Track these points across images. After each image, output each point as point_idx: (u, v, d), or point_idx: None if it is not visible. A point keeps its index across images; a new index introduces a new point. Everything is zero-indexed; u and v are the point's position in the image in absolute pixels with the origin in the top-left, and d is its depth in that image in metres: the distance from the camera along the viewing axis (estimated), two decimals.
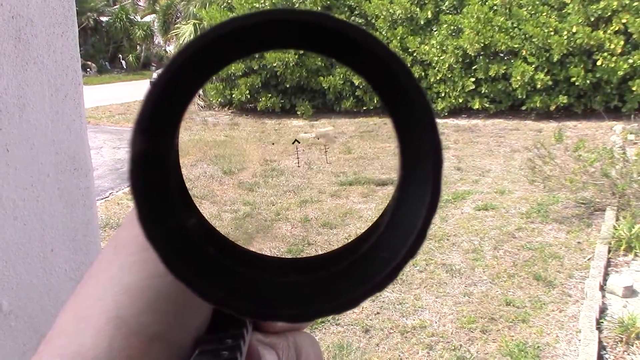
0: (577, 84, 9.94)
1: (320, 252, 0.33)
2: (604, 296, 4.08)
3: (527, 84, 10.16)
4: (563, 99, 10.10)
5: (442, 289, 4.41)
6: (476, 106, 10.75)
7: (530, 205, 6.00)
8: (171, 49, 21.09)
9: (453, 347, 3.67)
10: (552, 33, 9.98)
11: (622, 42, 9.56)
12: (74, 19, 0.93)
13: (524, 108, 10.52)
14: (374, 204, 6.39)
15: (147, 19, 25.85)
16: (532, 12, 10.38)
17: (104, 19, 25.19)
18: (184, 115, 0.28)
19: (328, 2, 12.15)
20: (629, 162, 5.70)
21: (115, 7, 25.85)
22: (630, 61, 9.61)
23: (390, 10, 11.48)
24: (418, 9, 11.50)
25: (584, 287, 4.24)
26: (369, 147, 8.92)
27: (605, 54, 9.65)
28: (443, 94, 11.10)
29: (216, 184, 7.52)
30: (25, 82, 0.86)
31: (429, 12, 11.39)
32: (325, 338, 3.82)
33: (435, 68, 11.12)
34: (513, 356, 3.50)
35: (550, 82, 10.12)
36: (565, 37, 9.82)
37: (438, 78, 11.09)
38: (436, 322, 3.96)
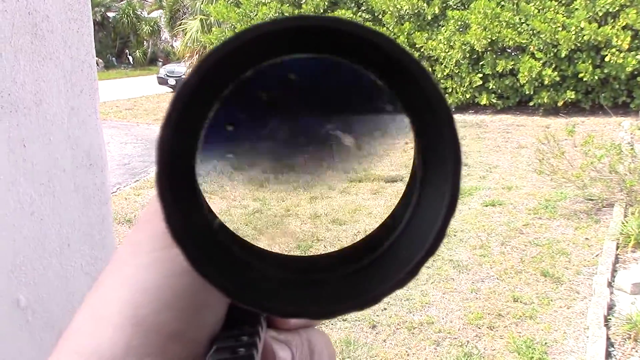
0: (585, 79, 9.89)
1: (332, 249, 0.33)
2: (612, 293, 4.06)
3: (534, 79, 10.12)
4: (571, 95, 10.06)
5: (450, 285, 4.40)
6: (484, 102, 10.71)
7: (537, 201, 5.98)
8: (178, 45, 21.12)
9: (460, 344, 3.67)
10: (560, 29, 9.93)
11: (629, 38, 9.51)
12: (89, 15, 0.93)
13: (531, 104, 10.48)
14: (382, 201, 6.38)
15: (154, 14, 25.88)
16: (540, 7, 10.33)
17: (111, 14, 25.23)
18: (209, 116, 0.28)
19: None
20: (637, 158, 5.67)
21: (122, 2, 25.88)
22: (639, 57, 9.56)
23: (397, 6, 11.44)
24: (425, 5, 11.46)
25: (592, 284, 4.23)
26: (378, 144, 8.90)
27: (613, 49, 9.60)
28: (450, 90, 11.07)
29: (226, 180, 7.52)
30: (41, 78, 0.87)
31: (436, 8, 11.35)
32: (333, 334, 3.83)
33: (442, 64, 11.09)
34: (520, 352, 3.49)
35: (558, 78, 10.07)
36: (573, 33, 9.77)
37: (445, 74, 11.06)
38: (443, 318, 3.95)
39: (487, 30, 10.42)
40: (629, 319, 3.63)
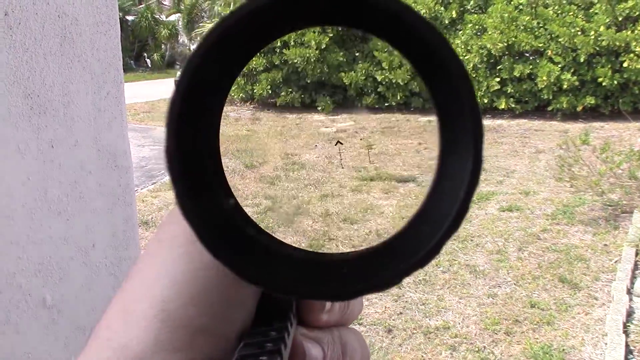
0: (604, 84, 9.80)
1: (341, 248, 0.32)
2: (631, 299, 4.02)
3: (553, 84, 10.04)
4: (590, 100, 9.97)
5: (466, 290, 4.38)
6: (502, 106, 10.65)
7: (555, 206, 5.93)
8: (194, 47, 21.21)
9: (477, 349, 3.64)
10: (579, 33, 9.85)
11: None
12: (117, 18, 0.95)
13: (550, 109, 10.40)
14: (395, 200, 6.37)
15: (172, 18, 26.05)
16: (559, 11, 10.26)
17: (129, 18, 25.45)
18: (223, 100, 0.28)
19: None
20: None
21: (140, 6, 26.09)
22: None
23: None
24: (442, 9, 11.43)
25: (610, 290, 4.18)
26: (390, 143, 8.89)
27: (632, 54, 9.50)
28: None
29: (238, 177, 7.56)
30: (69, 80, 0.88)
31: (454, 12, 11.32)
32: None
33: None
34: (538, 359, 3.46)
35: (576, 83, 9.98)
36: (592, 37, 9.68)
37: None
38: (460, 323, 3.93)
39: (503, 34, 10.36)
40: None
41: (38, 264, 0.85)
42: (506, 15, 10.37)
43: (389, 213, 6.05)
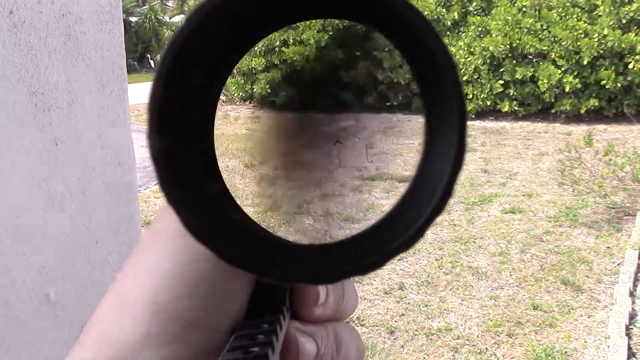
0: (607, 87, 9.79)
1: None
2: (633, 302, 4.01)
3: (555, 87, 10.03)
4: (594, 102, 9.95)
5: (468, 291, 4.38)
6: (505, 109, 10.64)
7: (558, 208, 5.93)
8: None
9: (479, 351, 3.64)
10: (582, 35, 9.84)
11: None
12: (120, 17, 0.95)
13: (553, 111, 10.39)
14: (396, 200, 6.38)
15: (176, 19, 26.10)
16: (562, 14, 10.25)
17: (133, 19, 25.50)
18: (215, 83, 0.27)
19: None
20: None
21: (144, 7, 26.15)
22: None
23: None
24: (444, 10, 11.44)
25: (613, 293, 4.17)
26: (391, 143, 8.90)
27: (637, 56, 9.49)
28: (470, 96, 11.02)
29: (238, 177, 7.56)
30: (74, 78, 0.89)
31: (456, 14, 11.31)
32: None
33: (462, 70, 11.04)
34: None
35: (579, 85, 9.97)
36: (595, 40, 9.67)
37: (464, 80, 11.01)
38: (462, 325, 3.93)
39: (506, 36, 10.36)
40: None
41: (42, 261, 0.86)
42: (510, 17, 10.37)
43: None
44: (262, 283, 0.32)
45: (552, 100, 10.19)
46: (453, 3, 11.48)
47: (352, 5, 0.27)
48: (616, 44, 9.53)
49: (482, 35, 10.98)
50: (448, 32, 11.49)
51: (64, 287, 0.88)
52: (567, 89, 9.92)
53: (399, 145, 8.72)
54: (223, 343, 0.28)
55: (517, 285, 4.43)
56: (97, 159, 0.93)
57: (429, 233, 5.47)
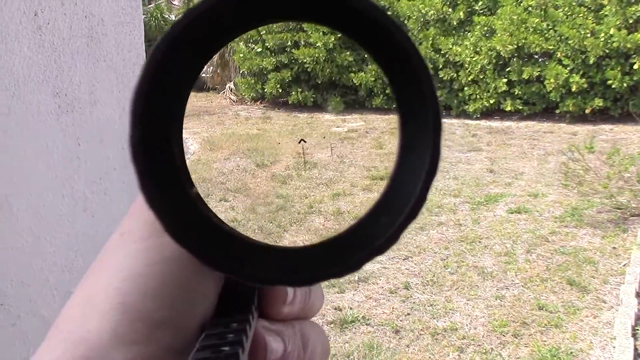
0: (613, 87, 9.76)
1: None
2: (639, 303, 4.01)
3: (561, 86, 10.01)
4: (599, 102, 9.93)
5: (474, 291, 4.38)
6: (508, 108, 10.62)
7: (564, 209, 5.92)
8: None
9: (484, 351, 3.65)
10: (589, 35, 9.82)
11: None
12: (141, 18, 0.96)
13: (558, 111, 10.37)
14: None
15: None
16: (568, 13, 10.22)
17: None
18: (189, 89, 0.28)
19: None
20: None
21: (150, 6, 26.16)
22: None
23: (422, 11, 11.41)
24: (450, 10, 11.42)
25: (619, 293, 4.18)
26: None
27: None
28: (475, 96, 11.00)
29: (249, 177, 7.58)
30: (95, 79, 0.90)
31: (462, 13, 11.29)
32: (356, 338, 3.84)
33: (467, 69, 11.02)
34: None
35: (585, 85, 9.95)
36: (602, 40, 9.65)
37: (470, 79, 10.99)
38: (467, 325, 3.94)
39: (513, 36, 10.34)
40: None
41: (64, 259, 0.87)
42: (515, 17, 10.35)
43: None
44: (231, 282, 0.32)
45: (558, 99, 10.16)
46: (459, 2, 11.46)
47: (319, 9, 0.27)
48: (622, 44, 9.51)
49: (487, 35, 10.95)
50: (454, 32, 11.47)
51: None
52: (573, 89, 9.90)
53: None
54: (192, 342, 0.28)
55: (522, 286, 4.44)
56: (118, 159, 0.94)
57: (435, 232, 5.48)
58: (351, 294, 4.40)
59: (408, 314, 4.11)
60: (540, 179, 7.00)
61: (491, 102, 10.75)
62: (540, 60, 10.57)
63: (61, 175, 0.86)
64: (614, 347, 3.52)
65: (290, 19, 0.29)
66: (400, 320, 4.02)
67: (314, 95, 12.34)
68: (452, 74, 11.22)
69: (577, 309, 4.06)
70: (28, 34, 0.80)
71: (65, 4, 0.85)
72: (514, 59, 10.56)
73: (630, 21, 9.63)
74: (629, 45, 9.51)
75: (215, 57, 15.10)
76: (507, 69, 10.67)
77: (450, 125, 10.33)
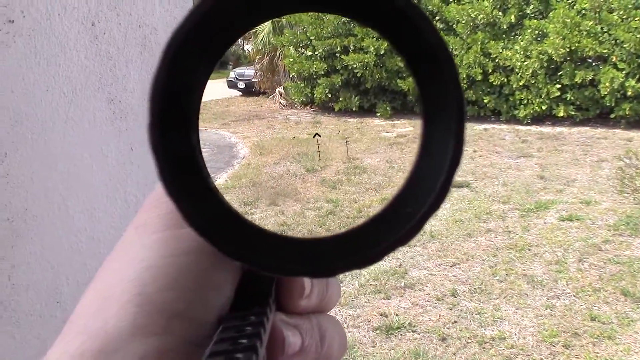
0: None
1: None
2: None
3: (616, 91, 9.72)
4: None
5: (523, 300, 4.29)
6: (561, 114, 10.38)
7: (618, 217, 5.74)
8: (249, 48, 21.40)
9: None
10: None
11: None
12: None
13: (612, 116, 10.07)
14: (448, 204, 6.31)
15: None
16: (624, 16, 9.93)
17: None
18: (209, 71, 0.28)
19: None
20: None
21: None
22: None
23: (472, 15, 11.28)
24: (501, 14, 11.25)
25: None
26: None
27: None
28: (526, 101, 10.79)
29: (299, 181, 7.63)
30: (148, 86, 0.93)
31: (512, 17, 11.11)
32: (401, 344, 3.81)
33: (518, 74, 10.83)
34: None
35: None
36: None
37: (521, 84, 10.79)
38: (516, 334, 3.86)
39: (565, 39, 10.11)
40: None
41: None
42: (568, 20, 10.11)
43: (442, 216, 5.99)
44: (248, 275, 0.32)
45: (613, 104, 9.87)
46: (510, 6, 11.28)
47: (351, 2, 0.27)
48: None
49: (539, 39, 10.74)
50: (504, 36, 11.29)
51: None
52: (629, 93, 9.60)
53: None
54: (209, 334, 0.28)
55: (574, 295, 4.32)
56: None
57: (483, 239, 5.40)
58: (397, 300, 4.38)
59: (455, 321, 4.05)
60: (594, 186, 6.81)
61: (543, 107, 10.52)
62: (594, 64, 10.29)
63: (115, 178, 0.90)
64: None
65: (313, 8, 0.29)
66: (447, 328, 3.98)
67: (361, 101, 12.34)
68: (502, 79, 11.04)
69: (631, 320, 3.93)
70: (86, 44, 0.84)
71: (121, 15, 0.88)
72: (566, 63, 10.31)
73: None
74: None
75: (265, 61, 15.24)
76: (559, 73, 10.43)
77: (500, 131, 10.15)
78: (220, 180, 7.93)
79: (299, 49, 13.11)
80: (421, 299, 4.38)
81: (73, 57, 0.82)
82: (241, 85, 17.66)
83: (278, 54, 14.63)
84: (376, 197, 6.76)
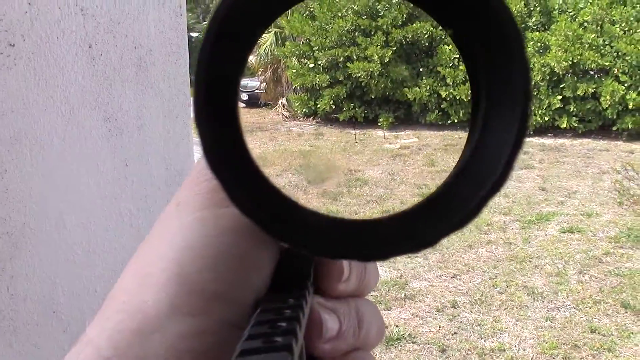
0: None
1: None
2: None
3: (618, 103, 9.75)
4: None
5: (523, 312, 4.30)
6: (563, 125, 10.39)
7: (619, 229, 5.75)
8: (252, 59, 21.42)
9: None
10: None
11: None
12: (186, 48, 1.04)
13: (614, 128, 10.09)
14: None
15: None
16: (626, 29, 9.97)
17: (193, 34, 26.25)
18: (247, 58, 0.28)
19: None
20: None
21: (204, 23, 26.88)
22: None
23: None
24: None
25: None
26: (453, 161, 8.81)
27: None
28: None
29: (301, 193, 7.66)
30: (143, 105, 0.97)
31: None
32: (401, 355, 3.82)
33: None
34: None
35: None
36: None
37: None
38: (516, 346, 3.87)
39: (567, 52, 10.15)
40: None
41: (111, 271, 0.94)
42: (570, 33, 10.16)
43: None
44: (287, 256, 0.31)
45: (615, 117, 9.89)
46: None
47: None
48: None
49: (541, 51, 10.78)
50: None
51: None
52: (630, 106, 9.62)
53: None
54: (247, 316, 0.28)
55: (574, 307, 4.33)
56: (162, 179, 1.00)
57: (483, 251, 5.41)
58: (397, 311, 4.39)
59: (455, 333, 4.07)
60: (595, 198, 6.82)
61: (545, 119, 10.54)
62: (596, 76, 10.32)
63: (109, 193, 0.94)
64: None
65: None
66: (447, 339, 3.99)
67: (365, 111, 12.31)
68: None
69: (631, 332, 3.94)
70: (83, 65, 0.88)
71: (117, 37, 0.92)
72: (569, 75, 10.34)
73: None
74: None
75: (269, 73, 15.28)
76: (561, 86, 10.46)
77: None
78: None
79: (302, 60, 13.12)
80: (421, 310, 4.39)
81: (71, 78, 0.87)
82: (244, 96, 17.71)
83: (281, 65, 14.66)
84: (377, 209, 6.79)
